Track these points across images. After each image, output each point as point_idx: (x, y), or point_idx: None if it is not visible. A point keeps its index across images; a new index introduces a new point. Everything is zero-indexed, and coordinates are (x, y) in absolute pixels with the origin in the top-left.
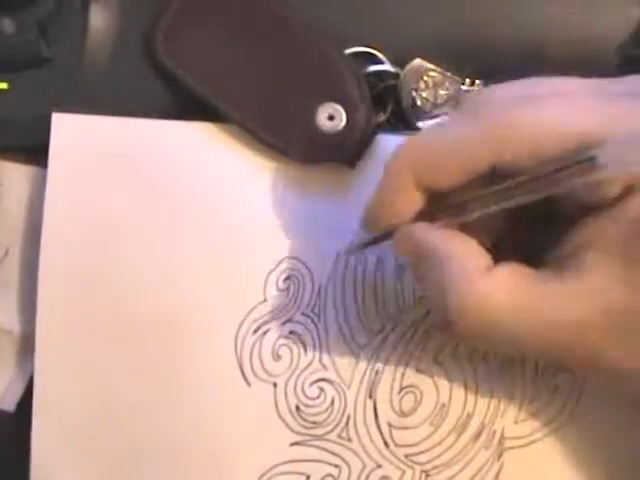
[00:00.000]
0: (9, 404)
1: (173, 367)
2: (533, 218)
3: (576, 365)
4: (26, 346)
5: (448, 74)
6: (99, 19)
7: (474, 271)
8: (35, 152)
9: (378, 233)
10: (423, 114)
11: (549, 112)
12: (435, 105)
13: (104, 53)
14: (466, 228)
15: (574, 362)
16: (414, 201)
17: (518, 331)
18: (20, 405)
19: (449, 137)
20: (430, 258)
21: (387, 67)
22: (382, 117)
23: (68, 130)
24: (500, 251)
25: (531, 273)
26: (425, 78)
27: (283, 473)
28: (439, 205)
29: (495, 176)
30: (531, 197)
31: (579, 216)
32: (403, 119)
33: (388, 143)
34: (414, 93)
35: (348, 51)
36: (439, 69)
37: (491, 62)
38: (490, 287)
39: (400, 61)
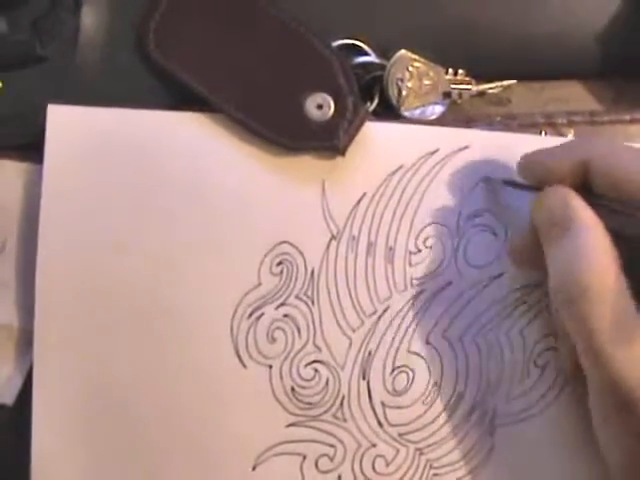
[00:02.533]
0: (8, 397)
1: (170, 353)
2: None
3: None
4: (24, 340)
5: (432, 64)
6: (91, 18)
7: (608, 258)
8: (29, 149)
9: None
10: (408, 103)
11: None
12: (420, 94)
13: (97, 51)
14: None
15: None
16: (573, 173)
17: (611, 349)
18: (19, 398)
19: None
20: (568, 226)
21: (373, 58)
22: (369, 107)
23: (63, 121)
24: None
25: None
26: (410, 68)
27: (280, 454)
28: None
29: None
30: None
31: None
32: (389, 108)
33: (376, 131)
34: (399, 83)
35: (335, 43)
36: (423, 60)
37: (474, 52)
38: (618, 287)
39: (385, 53)
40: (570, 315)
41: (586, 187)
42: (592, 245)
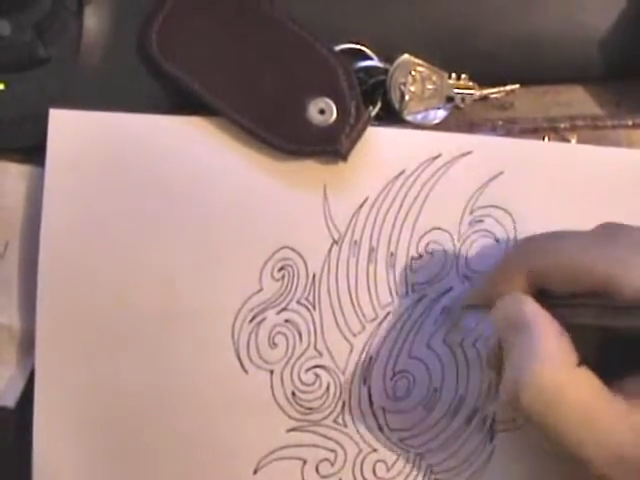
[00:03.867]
0: (9, 400)
1: (172, 357)
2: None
3: None
4: (26, 341)
5: (435, 69)
6: (94, 20)
7: (563, 360)
8: (32, 152)
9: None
10: (411, 107)
11: None
12: (422, 99)
13: (99, 53)
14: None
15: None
16: (523, 283)
17: (580, 434)
18: (20, 401)
19: (575, 247)
20: (526, 331)
21: (376, 63)
22: (372, 111)
23: (65, 126)
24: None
25: (607, 391)
26: (413, 73)
27: (281, 458)
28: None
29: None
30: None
31: None
32: (392, 113)
33: (379, 136)
34: (402, 87)
35: (338, 47)
36: (426, 64)
37: (477, 57)
38: (572, 382)
39: (388, 57)
40: (525, 414)
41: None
42: (544, 345)
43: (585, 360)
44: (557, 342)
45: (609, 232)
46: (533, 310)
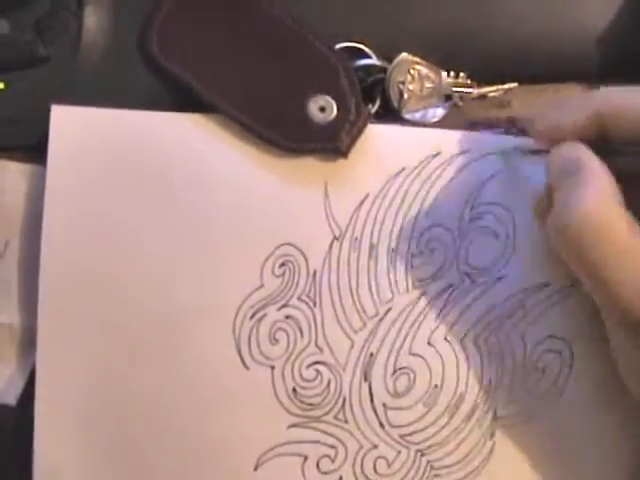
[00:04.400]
0: (10, 398)
1: (173, 353)
2: None
3: None
4: (26, 340)
5: (433, 67)
6: (94, 19)
7: (613, 195)
8: (32, 150)
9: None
10: (410, 106)
11: None
12: (421, 97)
13: (99, 52)
14: None
15: None
16: (586, 129)
17: (616, 263)
18: (21, 399)
19: None
20: (578, 172)
21: (374, 61)
22: (371, 109)
23: (67, 122)
24: None
25: None
26: (411, 71)
27: (281, 454)
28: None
29: None
30: None
31: None
32: (391, 111)
33: (379, 133)
34: (401, 86)
35: (337, 46)
36: (424, 62)
37: (475, 55)
38: (616, 216)
39: (387, 56)
40: (568, 249)
41: (602, 139)
42: (597, 186)
43: None
44: (607, 181)
45: None
46: (588, 155)
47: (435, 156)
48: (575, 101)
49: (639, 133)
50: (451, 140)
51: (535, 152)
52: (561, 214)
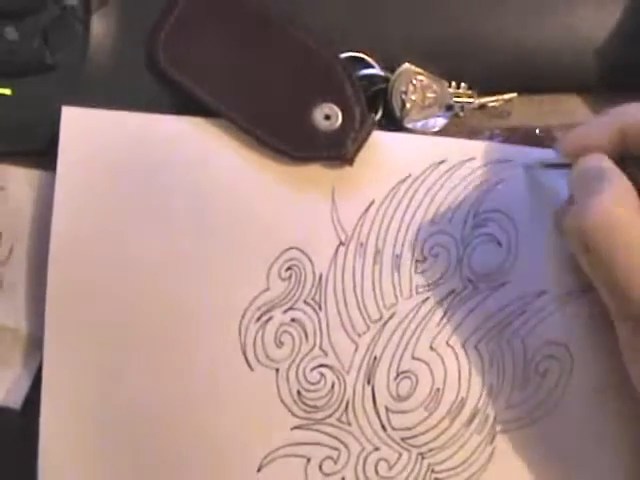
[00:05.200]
0: (15, 402)
1: (179, 355)
2: None
3: None
4: (31, 344)
5: (435, 78)
6: (101, 27)
7: (627, 199)
8: (39, 156)
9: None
10: (411, 115)
11: None
12: (423, 107)
13: (106, 60)
14: None
15: None
16: (610, 143)
17: (631, 263)
18: (26, 403)
19: None
20: (600, 180)
21: (377, 71)
22: (374, 118)
23: (77, 124)
24: None
25: None
26: (414, 81)
27: (285, 456)
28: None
29: None
30: None
31: None
32: (393, 120)
33: (384, 140)
34: (403, 96)
35: (341, 56)
36: (427, 73)
37: (476, 66)
38: (632, 218)
39: (389, 66)
40: (582, 249)
41: (624, 156)
42: (615, 190)
43: None
44: (625, 187)
45: None
46: (610, 165)
47: (440, 164)
48: (600, 118)
49: None
50: (456, 148)
51: (557, 165)
52: (578, 214)
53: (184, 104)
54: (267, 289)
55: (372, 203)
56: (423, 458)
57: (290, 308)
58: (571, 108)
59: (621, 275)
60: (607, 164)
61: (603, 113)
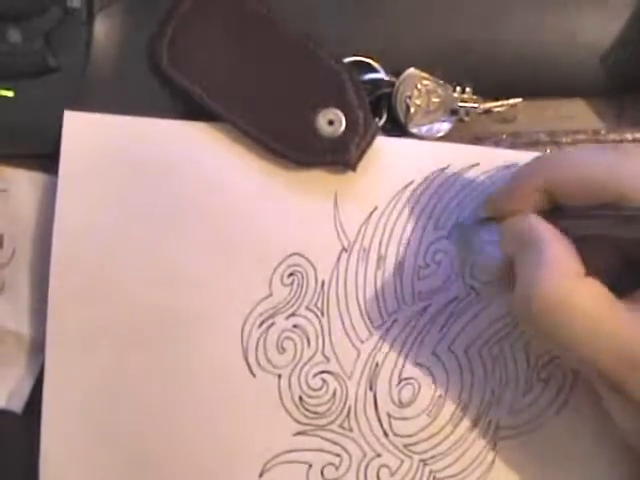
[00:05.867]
0: (17, 405)
1: (181, 360)
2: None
3: (615, 388)
4: (33, 347)
5: (440, 82)
6: (104, 30)
7: (569, 270)
8: (41, 159)
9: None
10: (416, 120)
11: None
12: (428, 111)
13: (109, 63)
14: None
15: (625, 387)
16: (537, 198)
17: (585, 337)
18: (28, 404)
19: (592, 159)
20: (533, 246)
21: (382, 75)
22: (378, 123)
23: (79, 128)
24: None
25: (614, 298)
26: (418, 86)
27: (286, 462)
28: (558, 211)
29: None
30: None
31: None
32: (397, 125)
33: (388, 146)
34: (408, 100)
35: (346, 60)
36: (432, 77)
37: (481, 70)
38: (579, 289)
39: (394, 71)
40: (537, 332)
41: (555, 206)
42: (553, 265)
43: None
44: (564, 252)
45: (624, 148)
46: (542, 227)
47: (444, 169)
48: (524, 171)
49: (591, 197)
50: (460, 154)
51: (490, 220)
52: (523, 300)
53: (188, 108)
54: (269, 295)
55: (375, 209)
56: (425, 465)
57: (292, 314)
58: (576, 113)
59: (586, 355)
60: (537, 225)
61: (527, 165)
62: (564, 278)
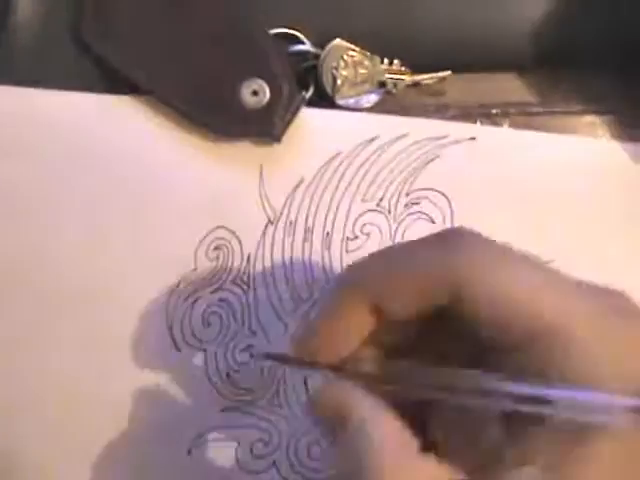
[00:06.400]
0: None
1: (106, 336)
2: None
3: None
4: None
5: (367, 53)
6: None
7: (400, 452)
8: None
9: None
10: (343, 92)
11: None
12: (355, 83)
13: (29, 34)
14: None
15: None
16: (363, 324)
17: None
18: None
19: (412, 254)
20: (356, 429)
21: (308, 47)
22: (304, 95)
23: None
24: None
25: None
26: (345, 57)
27: (215, 440)
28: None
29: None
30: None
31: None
32: (325, 98)
33: (314, 118)
34: (334, 72)
35: (272, 31)
36: (358, 49)
37: (410, 43)
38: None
39: (322, 42)
40: None
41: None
42: (378, 443)
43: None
44: (394, 435)
45: (450, 237)
46: (363, 405)
47: (371, 141)
48: (340, 298)
49: (424, 301)
50: (388, 125)
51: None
52: None
53: (110, 80)
54: (194, 269)
55: (302, 181)
56: None
57: (218, 288)
58: (507, 86)
59: None
60: (352, 397)
61: (336, 291)
62: (396, 464)
